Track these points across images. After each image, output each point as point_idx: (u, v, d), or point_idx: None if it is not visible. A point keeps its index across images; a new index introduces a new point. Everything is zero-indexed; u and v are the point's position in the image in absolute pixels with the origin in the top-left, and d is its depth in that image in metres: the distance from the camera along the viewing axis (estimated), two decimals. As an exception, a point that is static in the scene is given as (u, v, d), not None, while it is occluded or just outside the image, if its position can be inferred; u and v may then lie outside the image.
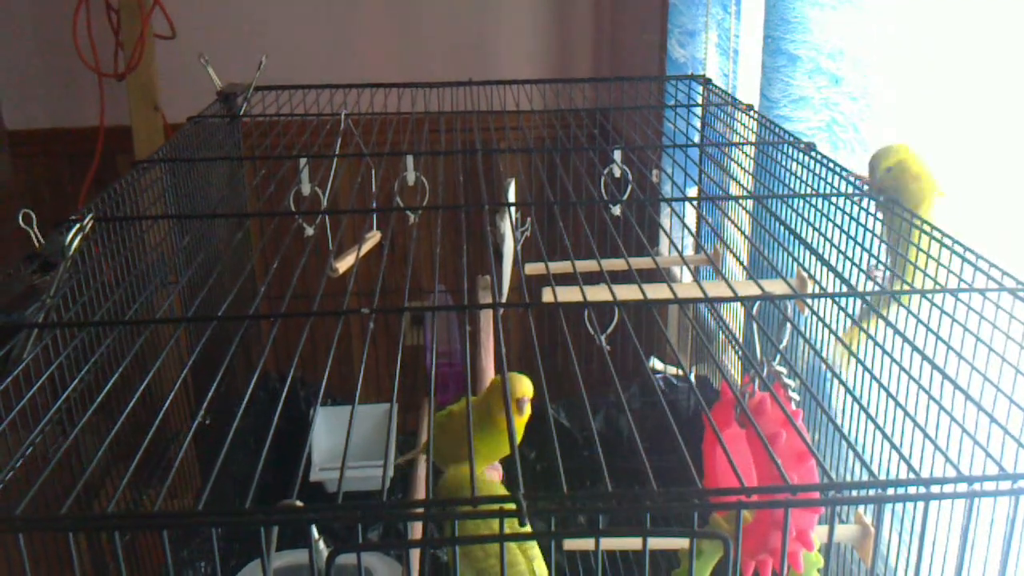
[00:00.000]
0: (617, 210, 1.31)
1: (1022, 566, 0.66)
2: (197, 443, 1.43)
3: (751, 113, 1.37)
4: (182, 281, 1.11)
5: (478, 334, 1.23)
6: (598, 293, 0.88)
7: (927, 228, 0.88)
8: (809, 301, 0.93)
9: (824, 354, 0.87)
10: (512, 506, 0.50)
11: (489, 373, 1.25)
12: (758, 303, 0.81)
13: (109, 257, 1.01)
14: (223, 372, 0.74)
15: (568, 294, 0.91)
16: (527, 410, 1.00)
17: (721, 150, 1.37)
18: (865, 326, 0.86)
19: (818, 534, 0.77)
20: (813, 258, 0.94)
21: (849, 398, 0.67)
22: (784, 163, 1.18)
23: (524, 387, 0.99)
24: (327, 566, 0.52)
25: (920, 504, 0.54)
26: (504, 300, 1.29)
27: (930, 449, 0.61)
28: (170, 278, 1.13)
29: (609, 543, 0.89)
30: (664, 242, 1.75)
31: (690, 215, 1.69)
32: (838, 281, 0.86)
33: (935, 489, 0.55)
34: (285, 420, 1.62)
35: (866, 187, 1.01)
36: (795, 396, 0.83)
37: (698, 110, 1.56)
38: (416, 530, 1.07)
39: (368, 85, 1.68)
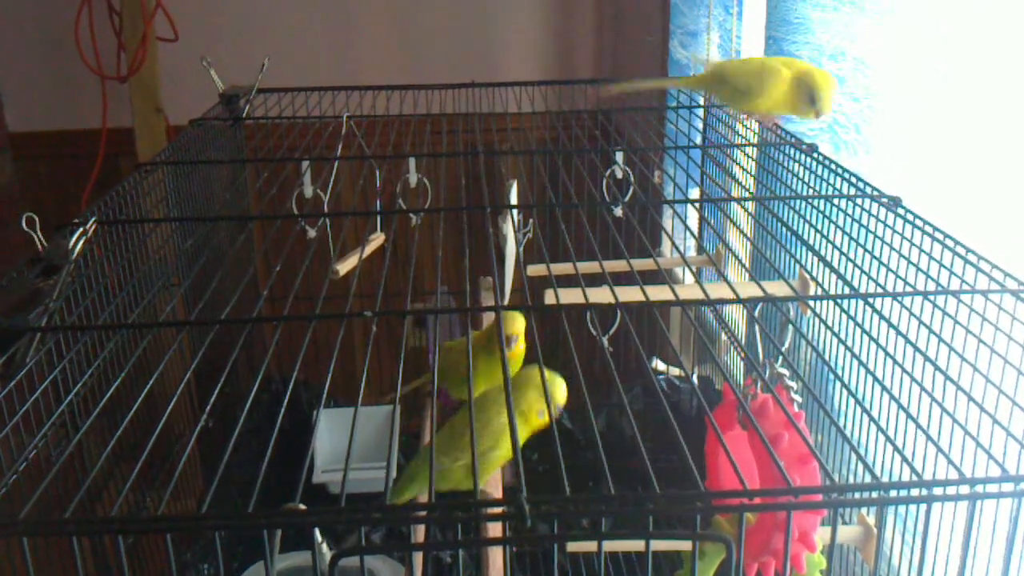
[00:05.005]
0: (619, 212, 1.31)
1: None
2: (200, 446, 1.44)
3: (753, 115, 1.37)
4: (185, 284, 1.11)
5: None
6: (600, 295, 0.88)
7: (928, 229, 0.87)
8: (811, 302, 0.93)
9: (826, 355, 0.87)
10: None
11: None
12: (760, 304, 0.81)
13: (112, 260, 1.01)
14: (226, 375, 0.74)
15: (570, 295, 0.91)
16: (517, 346, 1.11)
17: (723, 152, 1.37)
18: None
19: (820, 535, 0.77)
20: (815, 259, 0.94)
21: (852, 400, 0.67)
22: (786, 164, 1.18)
23: (515, 326, 1.09)
24: (330, 569, 0.52)
25: (923, 506, 0.54)
26: (506, 302, 1.29)
27: (932, 451, 0.61)
28: (173, 281, 1.13)
29: (612, 545, 0.89)
30: (666, 244, 1.75)
31: (692, 217, 1.69)
32: (840, 282, 0.86)
33: (937, 491, 0.55)
34: (288, 422, 1.62)
35: (869, 189, 1.01)
36: (797, 398, 0.83)
37: (700, 111, 1.56)
38: (419, 531, 1.07)
39: (370, 87, 1.68)
